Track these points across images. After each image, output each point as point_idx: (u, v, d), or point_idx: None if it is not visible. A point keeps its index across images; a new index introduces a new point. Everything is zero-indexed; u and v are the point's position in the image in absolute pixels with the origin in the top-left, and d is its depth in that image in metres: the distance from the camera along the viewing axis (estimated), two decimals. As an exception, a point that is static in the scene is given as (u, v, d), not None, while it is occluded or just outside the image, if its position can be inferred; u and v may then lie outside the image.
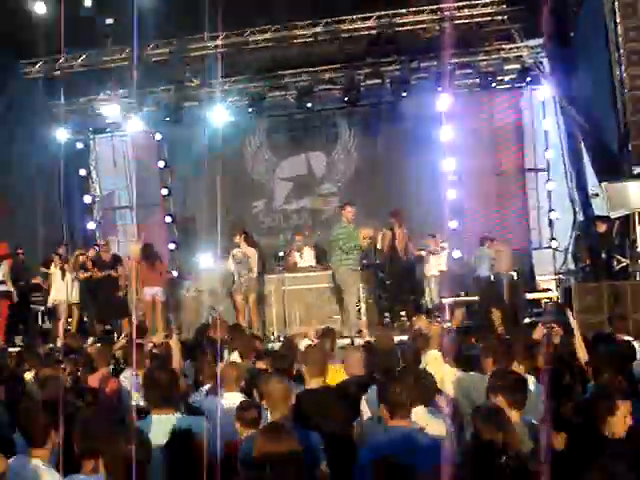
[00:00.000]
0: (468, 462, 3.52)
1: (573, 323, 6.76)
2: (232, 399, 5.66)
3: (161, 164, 19.81)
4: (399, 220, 14.21)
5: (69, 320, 13.87)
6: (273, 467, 3.57)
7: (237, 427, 4.93)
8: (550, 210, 18.10)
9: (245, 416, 4.91)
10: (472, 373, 6.05)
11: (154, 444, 3.61)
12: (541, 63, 16.78)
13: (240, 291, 12.88)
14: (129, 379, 6.88)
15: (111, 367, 7.90)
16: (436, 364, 6.08)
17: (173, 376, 4.78)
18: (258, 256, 13.24)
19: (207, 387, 6.48)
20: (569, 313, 6.93)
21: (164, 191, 19.72)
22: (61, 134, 18.60)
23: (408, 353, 6.74)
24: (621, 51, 12.67)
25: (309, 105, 17.56)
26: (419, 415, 4.67)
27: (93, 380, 7.30)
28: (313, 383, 5.41)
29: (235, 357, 7.48)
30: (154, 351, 8.52)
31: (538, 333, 7.64)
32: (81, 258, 14.35)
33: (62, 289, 13.32)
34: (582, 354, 6.48)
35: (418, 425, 4.39)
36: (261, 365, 7.16)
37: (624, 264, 13.05)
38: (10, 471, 3.77)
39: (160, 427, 4.30)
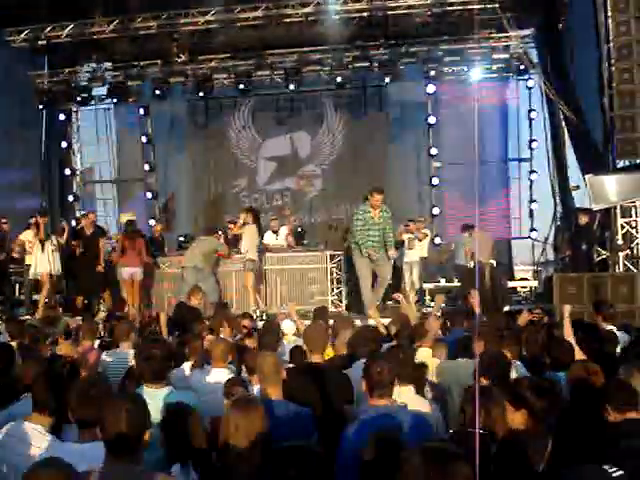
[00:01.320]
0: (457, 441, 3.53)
1: (566, 310, 6.78)
2: (219, 375, 5.66)
3: (144, 139, 19.64)
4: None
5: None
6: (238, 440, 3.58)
7: (225, 403, 4.94)
8: (531, 201, 18.23)
9: (232, 392, 4.93)
10: (458, 360, 6.08)
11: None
12: (530, 54, 16.82)
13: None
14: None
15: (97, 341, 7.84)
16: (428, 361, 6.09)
17: (167, 350, 4.78)
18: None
19: (190, 363, 6.45)
20: (565, 308, 6.94)
21: (146, 166, 19.57)
22: (43, 105, 18.37)
23: (403, 335, 6.79)
24: (610, 45, 12.72)
25: (296, 85, 17.49)
26: (405, 394, 4.68)
27: (75, 352, 7.26)
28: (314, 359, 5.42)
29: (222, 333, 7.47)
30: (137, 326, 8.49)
31: (522, 320, 7.71)
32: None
33: (44, 261, 13.17)
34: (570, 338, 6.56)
35: (399, 402, 4.37)
36: (249, 342, 7.15)
37: (604, 256, 13.20)
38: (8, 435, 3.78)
39: (152, 400, 4.29)
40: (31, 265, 13.28)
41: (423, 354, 6.22)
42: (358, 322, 8.94)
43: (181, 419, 3.84)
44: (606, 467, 2.88)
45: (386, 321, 8.15)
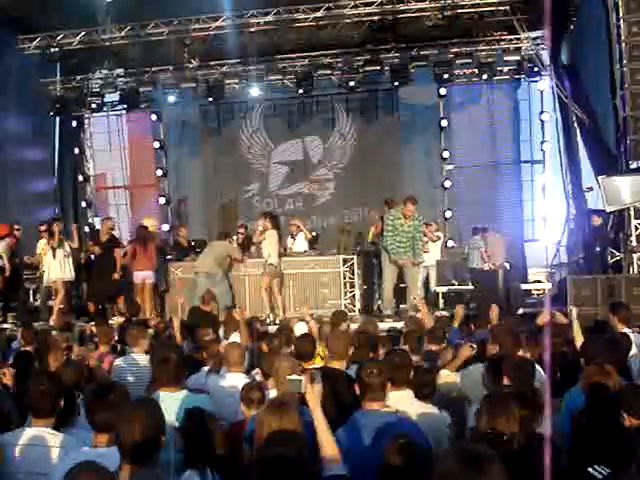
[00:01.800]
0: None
1: (573, 312, 6.79)
2: (235, 379, 5.67)
3: (156, 145, 19.72)
4: (391, 208, 14.16)
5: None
6: (274, 443, 3.57)
7: (242, 408, 4.95)
8: (544, 203, 18.17)
9: (250, 397, 4.93)
10: (479, 364, 6.03)
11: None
12: (541, 55, 16.77)
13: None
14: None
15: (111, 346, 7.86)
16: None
17: (183, 355, 4.80)
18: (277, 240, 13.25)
19: (207, 367, 6.47)
20: (573, 310, 6.92)
21: (158, 172, 19.64)
22: (56, 112, 18.46)
23: (409, 338, 6.77)
24: (622, 45, 12.66)
25: (307, 90, 17.50)
26: (401, 399, 4.66)
27: (91, 358, 7.30)
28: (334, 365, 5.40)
29: (235, 338, 7.48)
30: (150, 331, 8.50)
31: (541, 319, 7.66)
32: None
33: (56, 267, 13.22)
34: (579, 341, 6.56)
35: (392, 408, 4.35)
36: (263, 347, 7.16)
37: (618, 257, 13.13)
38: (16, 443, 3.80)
39: (168, 404, 4.32)
40: (45, 272, 13.34)
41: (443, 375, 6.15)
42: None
43: (201, 424, 3.85)
44: None
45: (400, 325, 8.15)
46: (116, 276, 13.62)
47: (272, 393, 5.07)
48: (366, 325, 7.82)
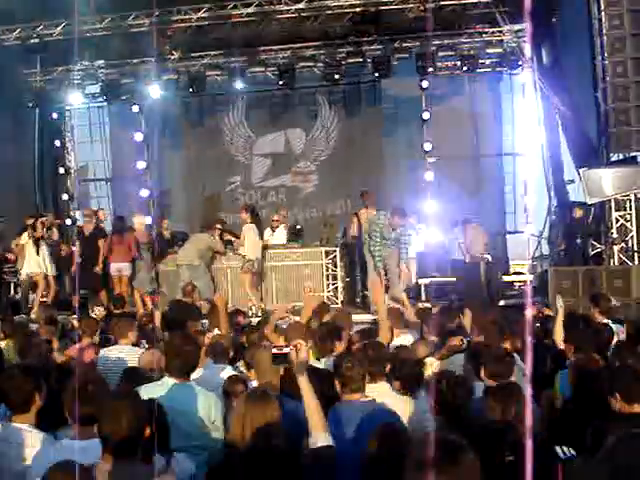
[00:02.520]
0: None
1: (559, 301, 6.82)
2: (223, 372, 5.68)
3: (138, 137, 19.59)
4: (368, 201, 14.16)
5: (44, 293, 13.69)
6: (254, 431, 3.58)
7: (227, 401, 4.96)
8: (525, 195, 18.22)
9: (233, 389, 4.94)
10: (452, 358, 6.06)
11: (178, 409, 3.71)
12: (523, 48, 16.81)
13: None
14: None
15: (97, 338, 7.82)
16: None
17: (197, 348, 4.82)
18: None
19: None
20: (558, 299, 6.95)
21: (141, 164, 19.51)
22: (36, 103, 18.32)
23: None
24: (604, 38, 12.72)
25: (289, 82, 17.46)
26: (378, 391, 4.68)
27: (72, 350, 7.25)
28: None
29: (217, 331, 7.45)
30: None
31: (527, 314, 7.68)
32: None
33: (36, 262, 13.14)
34: (559, 335, 6.60)
35: (369, 398, 4.38)
36: (245, 338, 7.15)
37: (599, 249, 13.22)
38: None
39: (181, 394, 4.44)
40: (24, 265, 13.24)
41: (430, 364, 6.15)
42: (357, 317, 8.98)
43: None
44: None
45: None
46: (97, 269, 13.53)
47: (254, 384, 5.07)
48: (337, 317, 7.78)
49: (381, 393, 4.62)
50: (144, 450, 3.14)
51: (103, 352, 6.92)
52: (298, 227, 16.01)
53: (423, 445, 2.34)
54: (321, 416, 3.66)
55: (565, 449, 3.02)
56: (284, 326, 8.03)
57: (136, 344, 7.08)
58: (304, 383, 3.69)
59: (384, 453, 3.36)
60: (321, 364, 5.60)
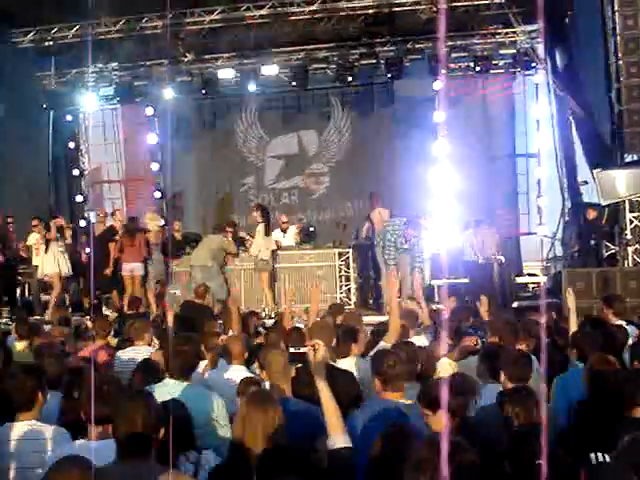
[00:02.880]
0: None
1: (571, 303, 6.81)
2: (239, 372, 5.69)
3: (152, 139, 19.65)
4: (375, 203, 14.16)
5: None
6: (254, 432, 3.58)
7: (238, 402, 4.95)
8: (539, 196, 18.17)
9: (247, 391, 4.94)
10: (470, 358, 6.04)
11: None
12: (536, 49, 16.77)
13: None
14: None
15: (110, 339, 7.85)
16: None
17: (197, 348, 4.85)
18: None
19: (206, 361, 6.45)
20: (569, 294, 6.93)
21: (154, 166, 19.57)
22: (51, 106, 18.42)
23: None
24: (617, 39, 12.66)
25: (302, 84, 17.49)
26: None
27: (86, 351, 7.28)
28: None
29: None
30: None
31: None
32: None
33: (50, 261, 13.18)
34: (573, 327, 6.61)
35: (408, 401, 4.37)
36: (259, 340, 7.17)
37: (613, 251, 13.16)
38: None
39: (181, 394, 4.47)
40: (38, 266, 13.28)
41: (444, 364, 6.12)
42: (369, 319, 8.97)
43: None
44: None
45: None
46: (107, 271, 13.55)
47: (268, 385, 5.07)
48: (348, 318, 7.78)
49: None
50: (161, 450, 3.15)
51: (119, 354, 6.96)
52: (311, 229, 16.01)
53: (422, 444, 2.35)
54: (339, 417, 3.60)
55: (600, 455, 3.00)
56: (299, 324, 8.06)
57: (151, 344, 7.11)
58: (322, 384, 3.60)
59: (387, 454, 3.35)
60: (338, 365, 5.60)
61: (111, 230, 14.11)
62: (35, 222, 13.40)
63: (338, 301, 13.14)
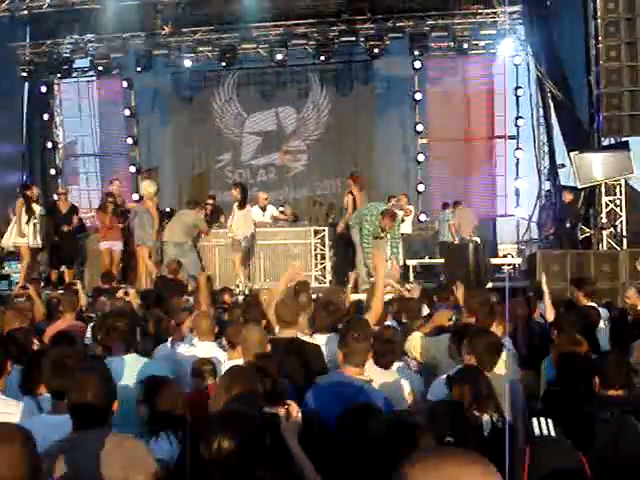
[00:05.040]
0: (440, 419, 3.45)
1: (545, 286, 6.86)
2: (207, 348, 5.64)
3: (127, 112, 19.41)
4: (358, 183, 14.04)
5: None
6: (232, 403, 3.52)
7: (194, 381, 4.93)
8: (517, 178, 18.21)
9: (203, 369, 4.93)
10: (440, 337, 5.99)
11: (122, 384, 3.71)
12: (517, 30, 16.73)
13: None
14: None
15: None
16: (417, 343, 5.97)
17: (133, 323, 4.80)
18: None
19: (171, 338, 6.37)
20: (543, 278, 6.97)
21: (129, 140, 19.36)
22: (25, 77, 18.11)
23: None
24: (598, 21, 12.63)
25: (281, 59, 17.32)
26: (368, 369, 4.63)
27: (57, 325, 7.18)
28: (284, 334, 5.34)
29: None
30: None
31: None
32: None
33: (20, 231, 12.98)
34: (549, 315, 6.61)
35: (366, 377, 4.31)
36: (228, 317, 7.11)
37: (588, 234, 13.20)
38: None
39: (127, 368, 4.40)
40: (4, 237, 13.09)
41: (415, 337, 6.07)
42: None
43: (160, 390, 3.82)
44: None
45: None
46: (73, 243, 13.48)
47: (239, 362, 5.00)
48: (331, 294, 7.72)
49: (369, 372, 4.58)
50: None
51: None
52: (280, 208, 15.83)
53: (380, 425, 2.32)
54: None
55: (543, 422, 2.96)
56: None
57: None
58: (294, 444, 3.38)
59: (346, 433, 3.29)
60: (314, 340, 5.56)
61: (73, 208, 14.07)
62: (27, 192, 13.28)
63: (313, 279, 13.10)
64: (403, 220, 14.27)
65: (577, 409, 3.83)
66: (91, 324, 7.13)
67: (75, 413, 3.11)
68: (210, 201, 14.18)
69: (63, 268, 13.93)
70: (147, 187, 13.29)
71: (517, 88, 18.00)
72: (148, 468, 3.08)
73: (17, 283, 12.70)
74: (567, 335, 5.21)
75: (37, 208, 13.27)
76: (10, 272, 14.44)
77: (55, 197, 15.24)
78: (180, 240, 12.29)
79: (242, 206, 12.68)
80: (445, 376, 4.27)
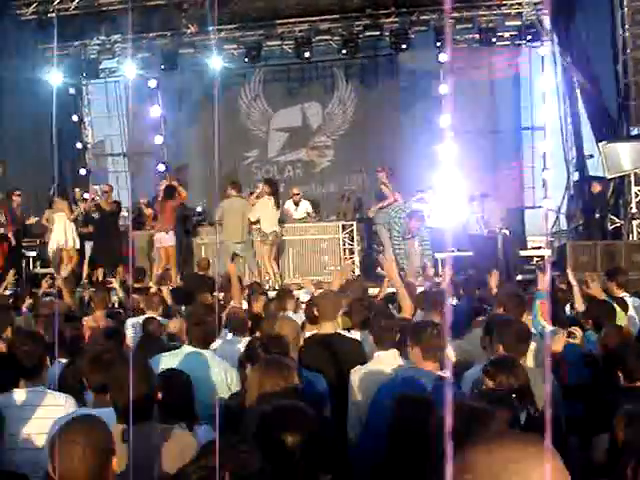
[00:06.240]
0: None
1: (571, 276, 6.87)
2: (244, 343, 5.70)
3: (155, 111, 19.56)
4: (389, 175, 14.06)
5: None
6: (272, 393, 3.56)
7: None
8: (544, 169, 18.08)
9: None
10: (475, 330, 6.01)
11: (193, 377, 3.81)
12: (542, 20, 16.62)
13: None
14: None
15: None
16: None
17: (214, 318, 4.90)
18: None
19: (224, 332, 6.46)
20: (568, 269, 6.97)
21: (158, 139, 19.51)
22: (53, 79, 18.31)
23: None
24: (625, 10, 12.55)
25: (306, 55, 17.37)
26: (389, 357, 4.70)
27: (88, 321, 7.32)
28: (324, 329, 5.38)
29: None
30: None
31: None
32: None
33: (63, 234, 13.22)
34: (579, 305, 6.61)
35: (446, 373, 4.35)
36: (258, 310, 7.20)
37: (618, 224, 13.12)
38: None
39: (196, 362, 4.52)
40: (51, 240, 13.34)
41: None
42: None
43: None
44: None
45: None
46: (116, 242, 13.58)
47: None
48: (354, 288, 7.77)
49: (390, 359, 4.64)
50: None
51: (131, 322, 7.05)
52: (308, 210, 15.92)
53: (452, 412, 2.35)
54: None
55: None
56: (303, 296, 8.07)
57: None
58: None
59: (404, 422, 3.33)
60: (350, 335, 5.61)
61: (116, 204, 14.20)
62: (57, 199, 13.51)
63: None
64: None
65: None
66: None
67: (119, 407, 3.19)
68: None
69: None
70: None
71: (543, 79, 17.86)
72: None
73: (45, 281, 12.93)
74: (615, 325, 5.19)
75: (76, 209, 13.53)
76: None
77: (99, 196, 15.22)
78: (244, 238, 12.40)
79: (276, 202, 12.81)
80: (478, 367, 4.30)
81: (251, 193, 14.12)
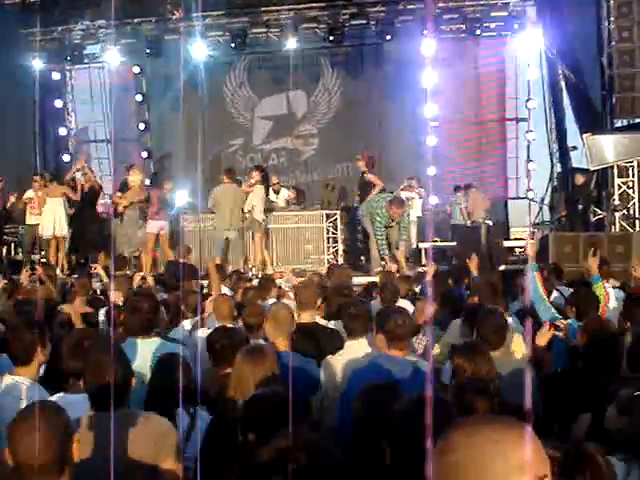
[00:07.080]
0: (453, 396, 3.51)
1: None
2: None
3: (139, 98, 19.45)
4: (369, 164, 14.04)
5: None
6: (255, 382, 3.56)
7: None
8: (528, 161, 18.15)
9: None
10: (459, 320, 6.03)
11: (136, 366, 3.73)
12: (528, 11, 16.62)
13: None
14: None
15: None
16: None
17: (154, 304, 4.80)
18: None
19: (189, 321, 6.43)
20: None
21: (141, 126, 19.41)
22: (36, 64, 18.16)
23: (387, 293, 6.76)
24: (610, 2, 12.57)
25: (292, 43, 17.29)
26: (360, 346, 4.70)
27: (65, 308, 7.26)
28: (303, 317, 5.39)
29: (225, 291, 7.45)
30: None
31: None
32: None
33: (59, 221, 13.13)
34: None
35: (412, 358, 4.36)
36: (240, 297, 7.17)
37: (601, 216, 13.19)
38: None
39: (141, 350, 4.42)
40: (39, 225, 13.24)
41: None
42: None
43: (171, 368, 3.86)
44: None
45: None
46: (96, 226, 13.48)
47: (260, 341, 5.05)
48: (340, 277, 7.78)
49: (361, 348, 4.65)
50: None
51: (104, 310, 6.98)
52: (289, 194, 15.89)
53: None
54: None
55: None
56: (284, 285, 8.07)
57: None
58: None
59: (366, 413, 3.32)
60: (330, 324, 5.62)
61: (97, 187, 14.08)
62: (36, 178, 13.38)
63: (325, 262, 13.16)
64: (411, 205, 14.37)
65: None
66: (105, 308, 7.20)
67: (93, 394, 3.17)
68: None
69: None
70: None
71: (528, 70, 17.89)
72: (177, 444, 3.15)
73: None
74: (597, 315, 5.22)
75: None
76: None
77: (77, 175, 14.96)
78: (239, 224, 12.41)
79: (267, 190, 12.82)
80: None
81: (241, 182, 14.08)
